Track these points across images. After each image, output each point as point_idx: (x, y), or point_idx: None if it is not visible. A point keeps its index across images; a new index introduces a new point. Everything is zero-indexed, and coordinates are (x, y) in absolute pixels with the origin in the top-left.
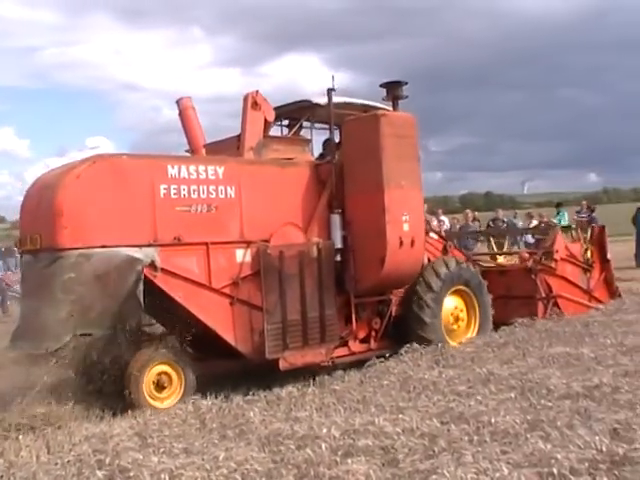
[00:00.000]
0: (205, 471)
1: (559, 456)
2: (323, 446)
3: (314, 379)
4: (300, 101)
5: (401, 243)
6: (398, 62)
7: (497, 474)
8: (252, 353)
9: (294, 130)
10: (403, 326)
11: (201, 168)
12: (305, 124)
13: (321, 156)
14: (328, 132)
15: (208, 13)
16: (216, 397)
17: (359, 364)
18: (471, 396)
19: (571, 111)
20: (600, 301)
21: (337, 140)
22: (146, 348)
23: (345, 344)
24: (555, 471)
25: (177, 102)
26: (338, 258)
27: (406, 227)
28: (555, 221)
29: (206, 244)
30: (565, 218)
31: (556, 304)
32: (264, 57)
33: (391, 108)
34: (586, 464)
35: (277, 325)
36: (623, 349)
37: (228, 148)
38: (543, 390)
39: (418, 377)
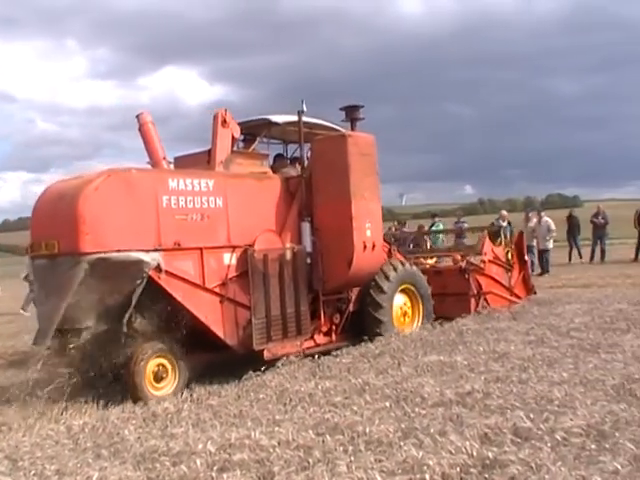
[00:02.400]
0: None
1: (431, 462)
2: (198, 462)
3: (190, 395)
4: (258, 119)
5: (365, 247)
6: (274, 76)
7: None
8: (238, 345)
9: (254, 146)
10: (359, 320)
11: (195, 181)
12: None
13: (271, 169)
14: (281, 148)
15: (83, 25)
16: (90, 416)
17: (235, 378)
18: (347, 406)
19: (446, 124)
20: (519, 297)
21: (288, 155)
22: (145, 343)
23: (312, 337)
24: (427, 477)
25: (137, 117)
26: (308, 261)
27: (368, 233)
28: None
29: (200, 249)
30: (440, 227)
31: (485, 300)
32: (141, 69)
33: (339, 128)
34: (457, 469)
35: (262, 320)
36: (495, 356)
37: (198, 162)
38: (417, 398)
39: (295, 389)
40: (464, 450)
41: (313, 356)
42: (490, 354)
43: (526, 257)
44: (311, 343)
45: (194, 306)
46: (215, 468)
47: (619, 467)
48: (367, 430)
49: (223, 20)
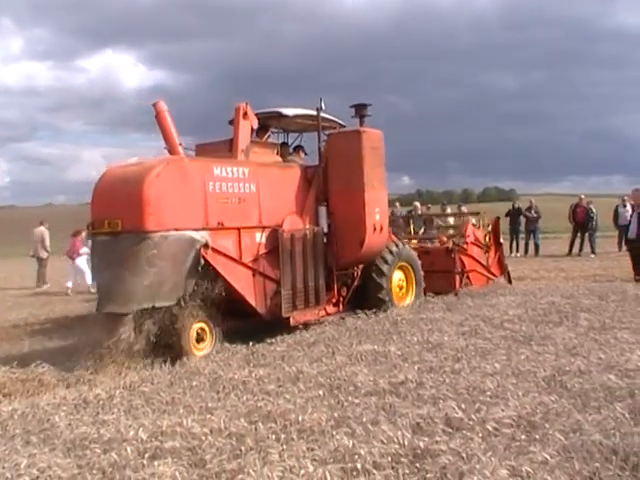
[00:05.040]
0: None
1: (363, 451)
2: (129, 449)
3: (123, 381)
4: (270, 111)
5: (374, 229)
6: (213, 62)
7: (302, 471)
8: (267, 313)
9: (267, 136)
10: (362, 294)
11: (234, 169)
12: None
13: None
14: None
15: (20, 3)
16: (20, 402)
17: (168, 365)
18: (280, 395)
19: (384, 115)
20: (495, 275)
21: (290, 143)
22: (190, 310)
23: (323, 307)
24: (359, 466)
25: (153, 105)
26: (324, 240)
27: (377, 217)
28: None
29: (238, 228)
30: None
31: (468, 277)
32: (80, 51)
33: (341, 122)
34: (389, 458)
35: (289, 291)
36: (429, 346)
37: (220, 149)
38: (350, 387)
39: (228, 377)
40: (396, 440)
41: (247, 343)
42: (424, 344)
43: (501, 240)
44: (323, 312)
45: (233, 279)
46: (146, 456)
47: (548, 457)
48: (300, 418)
49: (163, 4)
